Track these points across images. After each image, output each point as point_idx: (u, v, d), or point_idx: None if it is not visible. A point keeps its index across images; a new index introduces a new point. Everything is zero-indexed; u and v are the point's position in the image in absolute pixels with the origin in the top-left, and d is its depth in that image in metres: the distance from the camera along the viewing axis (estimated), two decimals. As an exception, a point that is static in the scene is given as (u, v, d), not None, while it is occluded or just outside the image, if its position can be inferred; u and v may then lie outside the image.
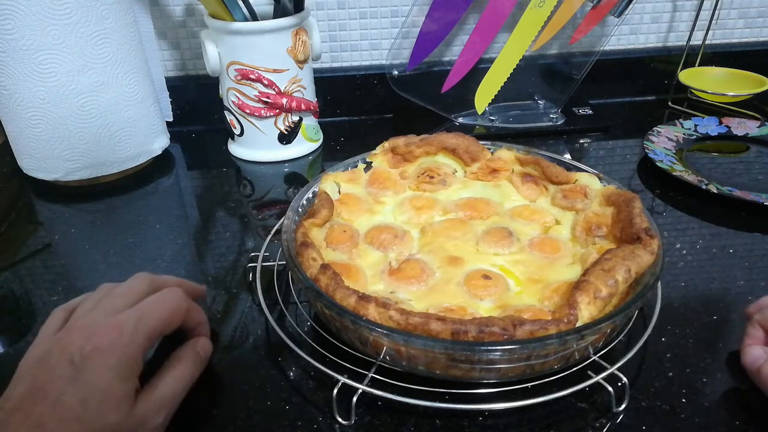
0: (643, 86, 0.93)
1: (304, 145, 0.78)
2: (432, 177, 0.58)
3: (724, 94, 0.85)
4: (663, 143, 0.74)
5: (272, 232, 0.56)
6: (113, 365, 0.34)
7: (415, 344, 0.37)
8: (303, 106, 0.74)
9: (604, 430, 0.39)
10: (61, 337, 0.36)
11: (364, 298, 0.39)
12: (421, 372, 0.40)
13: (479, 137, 0.64)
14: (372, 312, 0.38)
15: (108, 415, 0.33)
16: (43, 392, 0.33)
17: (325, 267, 0.42)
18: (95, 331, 0.35)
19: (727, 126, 0.79)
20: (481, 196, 0.56)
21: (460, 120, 0.84)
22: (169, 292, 0.41)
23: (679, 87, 0.88)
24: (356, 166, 0.59)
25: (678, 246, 0.57)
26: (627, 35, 0.94)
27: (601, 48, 0.84)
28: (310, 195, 0.54)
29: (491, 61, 0.82)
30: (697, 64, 0.90)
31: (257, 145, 0.76)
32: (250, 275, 0.52)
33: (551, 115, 0.84)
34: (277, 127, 0.74)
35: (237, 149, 0.78)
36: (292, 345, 0.43)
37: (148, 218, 0.65)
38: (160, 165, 0.76)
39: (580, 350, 0.40)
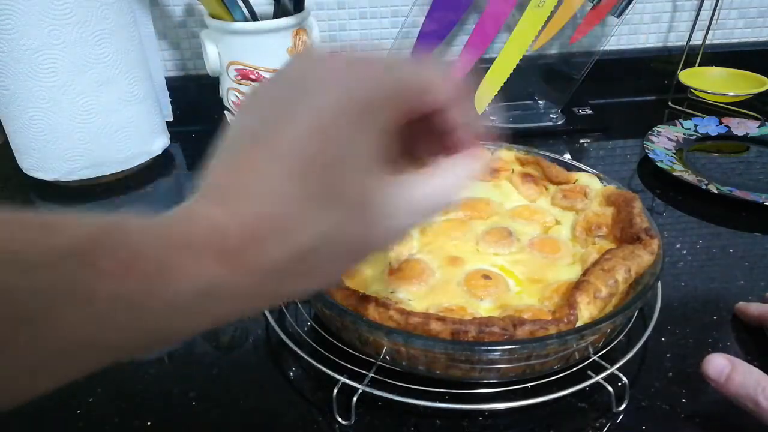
0: (643, 86, 0.93)
1: (304, 145, 0.78)
2: (432, 177, 0.58)
3: (724, 94, 0.85)
4: (663, 143, 0.74)
5: (272, 232, 0.56)
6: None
7: (415, 344, 0.37)
8: (303, 106, 0.74)
9: (604, 430, 0.39)
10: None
11: (364, 298, 0.39)
12: (421, 372, 0.40)
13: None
14: (372, 312, 0.38)
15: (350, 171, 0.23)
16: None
17: (325, 267, 0.42)
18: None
19: (727, 126, 0.79)
20: (481, 196, 0.56)
21: (460, 120, 0.84)
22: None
23: (679, 87, 0.88)
24: (356, 166, 0.59)
25: (678, 246, 0.57)
26: (627, 35, 0.94)
27: (601, 48, 0.84)
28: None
29: (491, 61, 0.82)
30: (697, 64, 0.90)
31: (257, 145, 0.75)
32: (250, 275, 0.52)
33: (551, 115, 0.84)
34: (277, 127, 0.74)
35: (237, 149, 0.77)
36: (292, 345, 0.43)
37: (148, 218, 0.65)
38: (160, 165, 0.76)
39: (580, 350, 0.40)
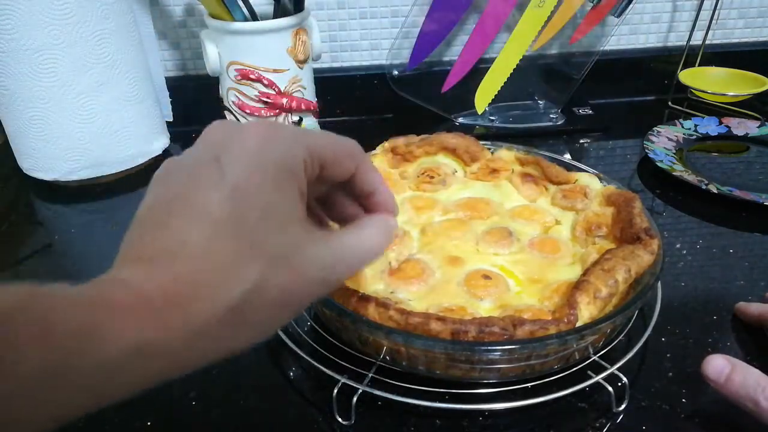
0: (643, 86, 0.93)
1: (304, 145, 0.78)
2: (432, 177, 0.58)
3: (724, 94, 0.85)
4: (663, 143, 0.74)
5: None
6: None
7: (415, 344, 0.37)
8: (303, 106, 0.74)
9: (604, 430, 0.39)
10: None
11: (364, 298, 0.39)
12: (421, 372, 0.40)
13: (479, 137, 0.64)
14: (372, 312, 0.38)
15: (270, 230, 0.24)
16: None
17: (325, 267, 0.42)
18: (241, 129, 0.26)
19: (727, 126, 0.79)
20: (481, 196, 0.56)
21: (460, 120, 0.84)
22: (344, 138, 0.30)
23: (679, 87, 0.88)
24: (356, 166, 0.59)
25: (678, 246, 0.57)
26: (627, 35, 0.93)
27: (601, 48, 0.84)
28: (310, 195, 0.54)
29: (491, 61, 0.82)
30: (697, 64, 0.90)
31: (257, 145, 0.75)
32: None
33: (551, 115, 0.84)
34: (277, 127, 0.74)
35: (237, 149, 0.77)
36: (292, 345, 0.43)
37: (148, 218, 0.65)
38: (160, 165, 0.76)
39: (580, 350, 0.40)
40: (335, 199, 0.33)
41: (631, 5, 0.79)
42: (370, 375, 0.40)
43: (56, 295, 0.21)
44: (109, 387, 0.21)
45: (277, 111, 0.73)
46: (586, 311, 0.39)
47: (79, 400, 0.21)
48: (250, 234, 0.24)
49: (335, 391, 0.39)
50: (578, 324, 0.39)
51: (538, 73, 0.89)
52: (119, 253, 0.24)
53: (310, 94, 0.76)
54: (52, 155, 0.67)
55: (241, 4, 0.70)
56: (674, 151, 0.73)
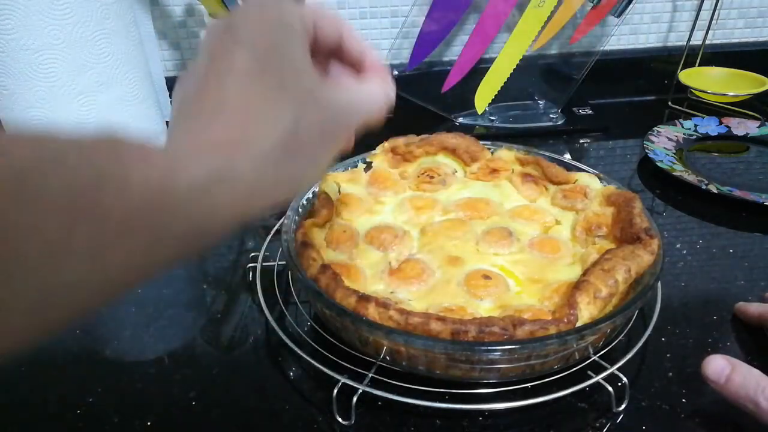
0: (643, 86, 0.94)
1: (304, 145, 0.77)
2: (432, 177, 0.58)
3: (724, 94, 0.86)
4: (663, 143, 0.74)
5: (272, 232, 0.56)
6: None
7: (415, 344, 0.37)
8: (303, 106, 0.74)
9: (604, 430, 0.39)
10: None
11: (364, 298, 0.39)
12: (421, 372, 0.40)
13: (479, 137, 0.64)
14: (372, 312, 0.38)
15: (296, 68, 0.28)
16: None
17: (324, 267, 0.42)
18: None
19: (727, 126, 0.79)
20: (481, 196, 0.56)
21: (460, 120, 0.84)
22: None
23: (679, 87, 0.88)
24: (356, 166, 0.59)
25: (678, 246, 0.57)
26: (627, 35, 0.94)
27: (601, 48, 0.84)
28: (310, 195, 0.54)
29: (491, 61, 0.82)
30: (697, 64, 0.90)
31: (257, 145, 0.75)
32: (250, 275, 0.52)
33: (551, 115, 0.84)
34: (277, 127, 0.74)
35: (237, 149, 0.77)
36: (292, 345, 0.43)
37: (148, 218, 0.65)
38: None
39: (580, 350, 0.40)
40: (332, 71, 0.35)
41: (631, 5, 0.79)
42: (370, 375, 0.40)
43: (132, 139, 0.24)
44: (200, 214, 0.24)
45: (277, 111, 0.73)
46: (586, 311, 0.39)
47: (177, 227, 0.23)
48: (276, 80, 0.27)
49: (335, 391, 0.39)
50: (578, 324, 0.39)
51: (538, 73, 0.89)
52: (168, 136, 0.27)
53: (310, 94, 0.76)
54: (52, 155, 0.67)
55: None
56: (674, 151, 0.73)
